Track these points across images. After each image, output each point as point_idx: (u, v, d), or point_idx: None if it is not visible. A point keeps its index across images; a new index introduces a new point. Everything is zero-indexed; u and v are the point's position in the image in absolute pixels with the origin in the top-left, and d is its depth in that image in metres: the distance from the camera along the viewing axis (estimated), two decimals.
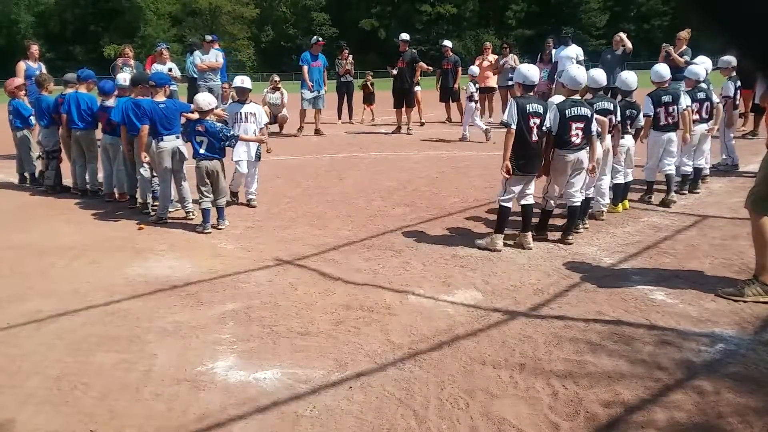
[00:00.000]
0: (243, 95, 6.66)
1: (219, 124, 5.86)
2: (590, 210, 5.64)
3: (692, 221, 5.66)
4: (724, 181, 7.38)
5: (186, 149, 6.06)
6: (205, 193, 5.66)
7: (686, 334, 3.38)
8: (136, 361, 3.23)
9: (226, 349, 3.34)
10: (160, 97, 6.06)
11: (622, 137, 5.79)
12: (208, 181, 5.67)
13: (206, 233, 5.60)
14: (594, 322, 3.56)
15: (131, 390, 2.93)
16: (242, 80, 6.78)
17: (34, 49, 9.68)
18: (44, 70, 9.19)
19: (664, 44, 10.47)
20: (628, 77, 5.96)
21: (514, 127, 4.74)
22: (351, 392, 2.86)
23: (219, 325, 3.65)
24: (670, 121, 6.08)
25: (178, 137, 6.02)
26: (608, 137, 5.50)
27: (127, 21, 60.63)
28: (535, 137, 4.78)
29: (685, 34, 10.18)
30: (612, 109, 5.45)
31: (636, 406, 2.68)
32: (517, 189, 4.89)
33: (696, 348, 3.21)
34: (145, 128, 5.95)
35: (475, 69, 12.30)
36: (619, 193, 6.02)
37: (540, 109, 4.81)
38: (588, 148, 5.01)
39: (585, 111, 4.91)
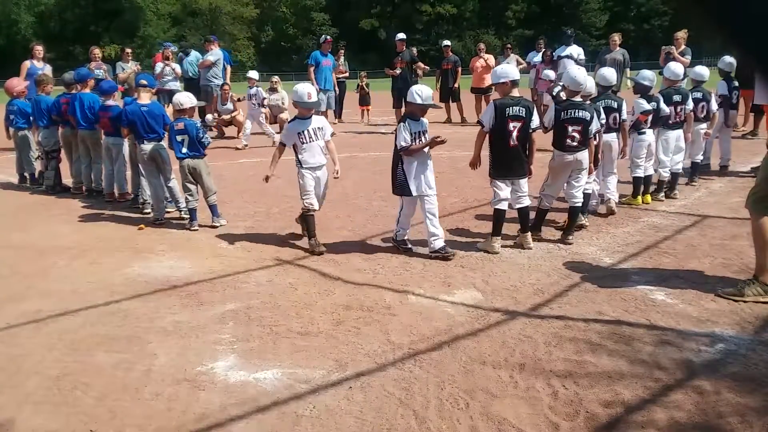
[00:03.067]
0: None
1: (198, 123, 5.87)
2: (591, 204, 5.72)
3: (692, 221, 5.66)
4: (724, 181, 7.37)
5: (168, 152, 6.03)
6: (192, 194, 5.70)
7: (686, 334, 3.38)
8: (136, 361, 3.23)
9: (226, 349, 3.34)
10: (145, 100, 6.06)
11: (644, 132, 5.98)
12: (193, 180, 5.69)
13: (193, 230, 5.70)
14: (594, 322, 3.55)
15: (131, 390, 2.93)
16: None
17: (38, 50, 9.70)
18: (49, 71, 9.19)
19: (664, 47, 10.46)
20: (649, 74, 6.10)
21: (486, 128, 4.74)
22: (351, 392, 2.86)
23: (219, 325, 3.65)
24: (678, 120, 6.26)
25: (160, 140, 6.03)
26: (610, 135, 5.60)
27: (127, 21, 60.53)
28: (513, 141, 4.68)
29: (682, 34, 10.18)
30: (616, 107, 5.54)
31: (636, 406, 2.68)
32: (504, 193, 4.82)
33: (696, 348, 3.20)
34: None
35: (253, 73, 11.61)
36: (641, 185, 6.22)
37: (522, 112, 4.66)
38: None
39: (583, 114, 4.89)
